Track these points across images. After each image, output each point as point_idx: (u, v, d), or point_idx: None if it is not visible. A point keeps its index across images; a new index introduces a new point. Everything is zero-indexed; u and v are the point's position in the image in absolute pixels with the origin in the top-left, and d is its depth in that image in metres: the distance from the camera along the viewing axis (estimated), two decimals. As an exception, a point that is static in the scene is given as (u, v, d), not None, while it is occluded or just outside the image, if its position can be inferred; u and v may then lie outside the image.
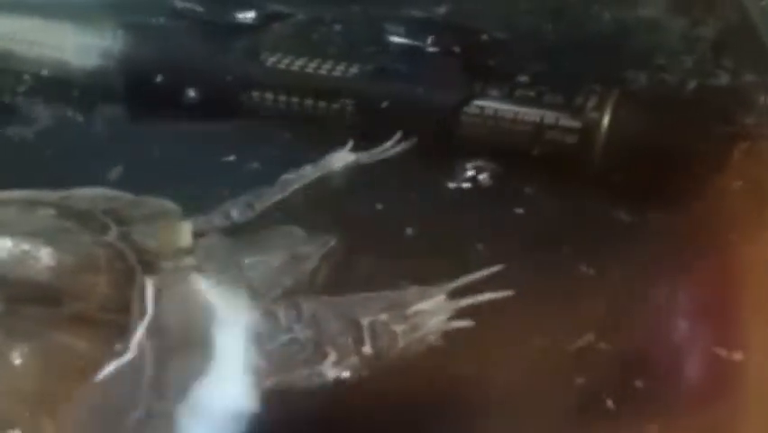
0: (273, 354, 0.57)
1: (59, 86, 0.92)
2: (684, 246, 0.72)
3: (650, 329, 0.67)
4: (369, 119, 0.83)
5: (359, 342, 0.58)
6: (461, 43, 0.91)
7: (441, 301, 0.60)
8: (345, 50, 0.92)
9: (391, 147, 0.79)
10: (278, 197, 0.71)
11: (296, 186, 0.72)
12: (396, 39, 0.93)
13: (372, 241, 0.70)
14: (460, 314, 0.61)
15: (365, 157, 0.78)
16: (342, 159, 0.76)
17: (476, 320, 0.61)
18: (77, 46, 0.93)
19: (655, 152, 0.76)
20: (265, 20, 0.99)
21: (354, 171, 0.77)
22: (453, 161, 0.80)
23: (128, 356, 0.54)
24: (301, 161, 0.77)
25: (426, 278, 0.63)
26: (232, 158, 0.81)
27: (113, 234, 0.61)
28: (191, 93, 0.88)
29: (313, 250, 0.65)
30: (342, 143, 0.80)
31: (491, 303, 0.63)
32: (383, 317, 0.59)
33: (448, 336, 0.60)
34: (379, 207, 0.74)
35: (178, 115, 0.88)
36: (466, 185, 0.78)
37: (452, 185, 0.78)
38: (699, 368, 0.64)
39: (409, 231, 0.72)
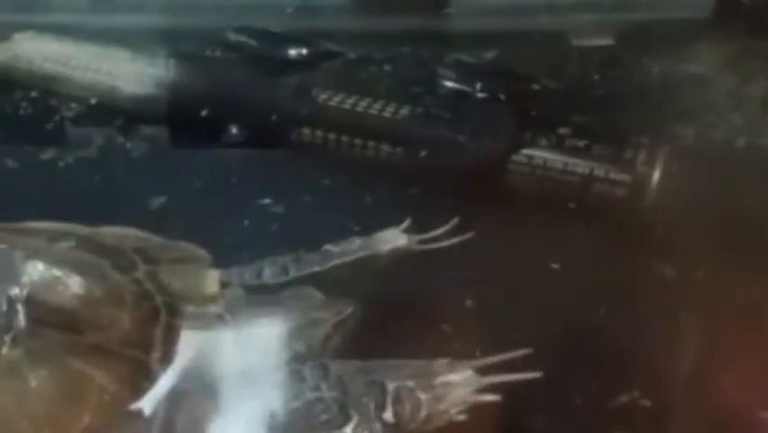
0: (296, 411, 0.56)
1: (109, 112, 0.93)
2: (729, 304, 0.72)
3: (693, 387, 0.67)
4: (417, 162, 0.83)
5: (380, 407, 0.57)
6: (511, 90, 0.92)
7: (469, 375, 0.59)
8: (395, 91, 0.92)
9: (445, 235, 0.73)
10: (317, 268, 0.68)
11: (336, 261, 0.68)
12: (446, 83, 0.93)
13: (390, 309, 0.69)
14: (487, 389, 0.59)
15: (416, 243, 0.72)
16: (391, 240, 0.71)
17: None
18: (130, 73, 0.94)
19: (703, 209, 0.76)
20: (316, 57, 1.00)
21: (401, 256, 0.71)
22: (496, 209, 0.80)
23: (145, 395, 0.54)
24: (349, 220, 0.76)
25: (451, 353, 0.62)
26: (274, 203, 0.81)
27: (140, 272, 0.61)
28: (239, 126, 0.89)
29: (328, 316, 0.63)
30: (394, 195, 0.79)
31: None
32: (410, 383, 0.57)
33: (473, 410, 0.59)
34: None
35: (226, 148, 0.88)
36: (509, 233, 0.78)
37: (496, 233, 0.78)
38: (742, 430, 0.64)
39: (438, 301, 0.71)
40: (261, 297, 0.65)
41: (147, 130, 0.92)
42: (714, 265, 0.74)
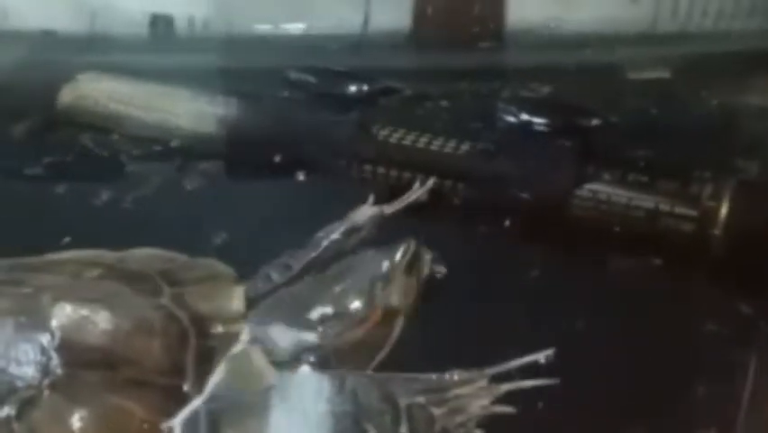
0: (318, 423, 0.57)
1: (173, 150, 0.94)
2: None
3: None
4: (479, 198, 0.83)
5: (395, 422, 0.58)
6: (572, 125, 0.92)
7: (483, 386, 0.60)
8: (454, 127, 0.93)
9: (413, 195, 0.78)
10: (312, 254, 0.70)
11: (325, 242, 0.71)
12: (507, 117, 0.94)
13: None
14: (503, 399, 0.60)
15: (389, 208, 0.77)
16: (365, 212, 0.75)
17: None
18: (192, 112, 0.95)
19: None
20: (374, 94, 1.00)
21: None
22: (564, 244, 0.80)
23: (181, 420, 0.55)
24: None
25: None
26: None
27: (166, 297, 0.62)
28: (301, 163, 0.89)
29: (399, 257, 0.64)
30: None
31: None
32: (421, 399, 0.59)
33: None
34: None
35: (288, 186, 0.89)
36: (579, 269, 0.77)
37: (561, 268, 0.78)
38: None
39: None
40: (319, 277, 0.66)
41: (209, 167, 0.92)
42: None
